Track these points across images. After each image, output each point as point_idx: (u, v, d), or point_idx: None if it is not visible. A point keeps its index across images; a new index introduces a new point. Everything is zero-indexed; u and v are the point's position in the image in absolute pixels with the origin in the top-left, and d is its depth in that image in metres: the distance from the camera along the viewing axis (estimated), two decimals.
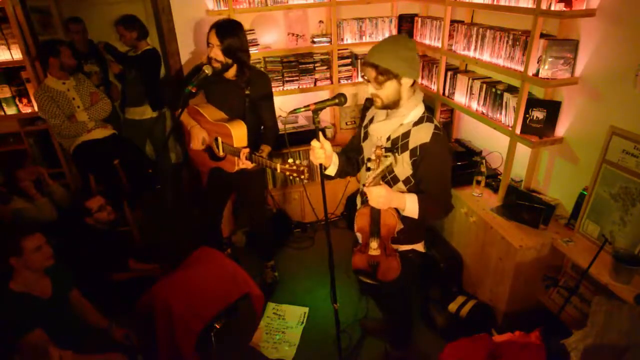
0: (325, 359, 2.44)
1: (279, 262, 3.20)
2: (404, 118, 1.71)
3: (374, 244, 1.84)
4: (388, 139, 1.75)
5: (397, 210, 1.75)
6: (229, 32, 2.25)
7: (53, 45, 2.93)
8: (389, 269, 1.90)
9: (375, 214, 1.77)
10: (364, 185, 1.70)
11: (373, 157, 1.61)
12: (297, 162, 1.86)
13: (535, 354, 1.81)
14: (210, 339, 2.22)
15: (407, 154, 1.70)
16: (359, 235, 1.96)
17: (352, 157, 2.00)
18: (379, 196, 1.64)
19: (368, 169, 1.66)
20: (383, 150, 1.62)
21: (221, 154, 2.43)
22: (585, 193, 2.21)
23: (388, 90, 1.67)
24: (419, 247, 1.96)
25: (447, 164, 1.77)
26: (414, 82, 1.71)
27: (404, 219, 1.78)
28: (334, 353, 2.08)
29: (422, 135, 1.67)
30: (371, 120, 1.86)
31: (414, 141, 1.68)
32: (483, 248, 2.53)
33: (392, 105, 1.72)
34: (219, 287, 2.34)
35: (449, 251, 2.84)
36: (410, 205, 1.69)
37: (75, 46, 3.61)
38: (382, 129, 1.75)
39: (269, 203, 3.49)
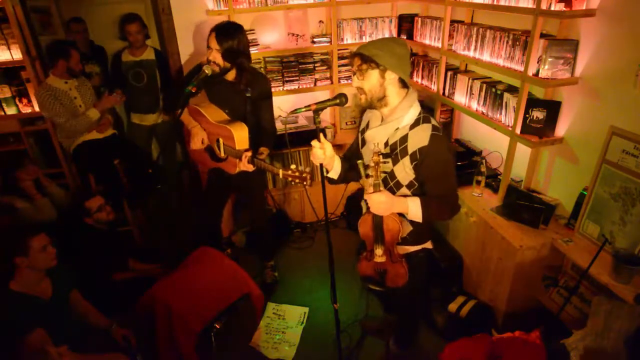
0: (325, 359, 2.44)
1: (279, 262, 3.20)
2: (399, 122, 1.67)
3: (379, 251, 1.83)
4: (386, 144, 1.71)
5: (402, 214, 1.73)
6: (229, 35, 2.24)
7: (65, 47, 2.92)
8: (396, 276, 1.88)
9: (378, 220, 1.75)
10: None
11: (371, 163, 1.60)
12: (300, 168, 1.83)
13: (535, 354, 1.81)
14: (210, 339, 2.23)
15: (407, 159, 1.66)
16: (365, 242, 1.93)
17: (354, 163, 1.97)
18: (380, 202, 1.64)
19: (367, 176, 1.65)
20: (380, 156, 1.60)
21: (222, 155, 2.43)
22: (585, 193, 2.21)
23: (370, 81, 1.63)
24: (429, 244, 1.95)
25: (450, 164, 1.72)
26: (405, 83, 1.67)
27: (412, 220, 1.76)
28: (334, 353, 2.08)
29: (420, 138, 1.63)
30: (368, 126, 1.82)
31: (413, 145, 1.64)
32: (483, 248, 2.53)
33: (378, 104, 1.68)
34: (219, 287, 2.34)
35: (449, 251, 2.84)
36: (414, 209, 1.68)
37: (76, 46, 3.62)
38: (378, 134, 1.72)
39: (269, 203, 3.49)
